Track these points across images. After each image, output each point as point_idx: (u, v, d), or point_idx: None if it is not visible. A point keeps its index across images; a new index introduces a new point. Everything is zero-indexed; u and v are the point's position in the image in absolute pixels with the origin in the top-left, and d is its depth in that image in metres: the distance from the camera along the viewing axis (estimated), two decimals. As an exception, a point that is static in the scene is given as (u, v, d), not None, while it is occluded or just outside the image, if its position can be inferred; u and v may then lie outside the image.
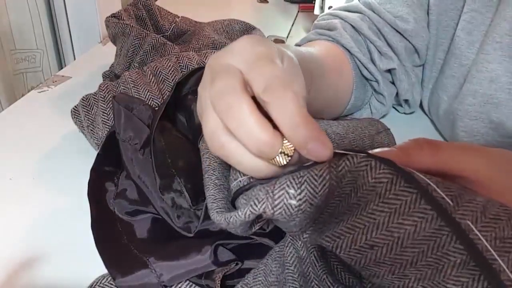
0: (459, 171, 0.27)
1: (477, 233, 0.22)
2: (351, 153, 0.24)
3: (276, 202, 0.24)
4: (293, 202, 0.23)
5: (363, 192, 0.24)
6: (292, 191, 0.23)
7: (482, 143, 0.51)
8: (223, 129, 0.26)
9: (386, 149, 0.28)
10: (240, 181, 0.28)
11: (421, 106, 0.64)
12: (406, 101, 0.61)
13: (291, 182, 0.24)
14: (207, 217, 0.36)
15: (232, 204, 0.29)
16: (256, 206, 0.24)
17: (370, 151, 0.26)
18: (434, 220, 0.22)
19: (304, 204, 0.24)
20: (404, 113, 0.64)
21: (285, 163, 0.26)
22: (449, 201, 0.23)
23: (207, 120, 0.27)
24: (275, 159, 0.26)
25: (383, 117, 0.62)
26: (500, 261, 0.21)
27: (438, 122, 0.60)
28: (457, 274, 0.22)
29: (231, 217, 0.26)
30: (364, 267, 0.25)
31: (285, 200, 0.24)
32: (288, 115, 0.25)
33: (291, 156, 0.26)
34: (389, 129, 0.52)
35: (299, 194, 0.23)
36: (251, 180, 0.28)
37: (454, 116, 0.53)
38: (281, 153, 0.25)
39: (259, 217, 0.25)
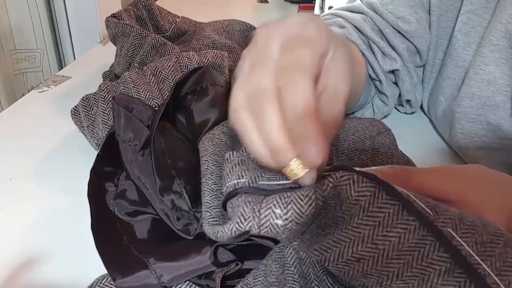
0: (433, 195, 0.27)
1: (459, 239, 0.23)
2: (332, 172, 0.25)
3: (262, 222, 0.24)
4: (279, 222, 0.24)
5: (347, 205, 0.24)
6: (278, 211, 0.24)
7: (480, 145, 0.51)
8: (247, 108, 0.26)
9: (367, 169, 0.28)
10: (227, 187, 0.28)
11: (421, 106, 0.64)
12: (408, 101, 0.61)
13: (277, 202, 0.24)
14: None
15: (225, 209, 0.29)
16: (242, 223, 0.25)
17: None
18: (417, 231, 0.23)
19: (290, 224, 0.24)
20: (405, 113, 0.64)
21: (295, 177, 0.26)
22: (429, 211, 0.23)
23: (235, 94, 0.27)
24: (287, 169, 0.26)
25: (384, 117, 0.62)
26: (484, 265, 0.22)
27: (437, 123, 0.60)
28: (443, 282, 0.22)
29: (218, 232, 0.26)
30: (353, 278, 0.25)
31: (271, 219, 0.24)
32: (295, 103, 0.25)
33: (304, 170, 0.26)
34: (390, 130, 0.52)
35: (285, 214, 0.24)
36: (237, 186, 0.28)
37: (452, 118, 0.53)
38: (291, 169, 0.25)
39: (246, 232, 0.25)
